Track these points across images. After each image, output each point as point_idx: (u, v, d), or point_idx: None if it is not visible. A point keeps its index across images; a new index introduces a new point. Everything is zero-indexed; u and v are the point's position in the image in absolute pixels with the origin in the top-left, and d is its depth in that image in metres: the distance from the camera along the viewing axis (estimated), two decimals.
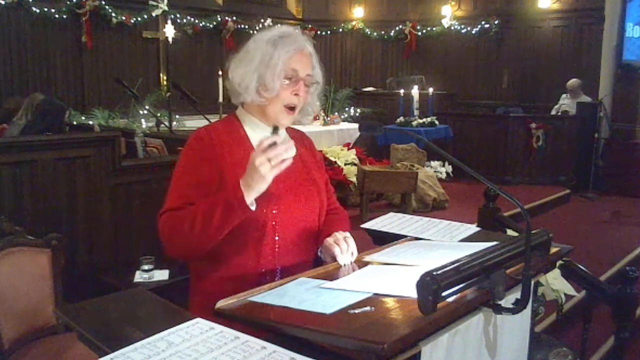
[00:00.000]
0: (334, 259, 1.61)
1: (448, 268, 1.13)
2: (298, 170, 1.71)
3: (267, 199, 1.58)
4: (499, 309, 1.27)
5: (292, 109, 1.66)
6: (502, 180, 7.31)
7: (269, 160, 1.44)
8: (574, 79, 8.13)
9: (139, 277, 3.05)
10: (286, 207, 1.64)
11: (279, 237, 1.64)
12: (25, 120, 3.73)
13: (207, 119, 5.19)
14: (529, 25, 9.42)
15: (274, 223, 1.62)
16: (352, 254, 1.61)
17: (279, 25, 1.72)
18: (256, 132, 1.69)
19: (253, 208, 1.50)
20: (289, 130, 1.79)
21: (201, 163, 1.61)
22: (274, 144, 1.45)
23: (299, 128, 1.89)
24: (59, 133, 3.71)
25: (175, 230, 1.54)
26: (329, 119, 7.03)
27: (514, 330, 1.48)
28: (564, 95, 8.25)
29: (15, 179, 3.12)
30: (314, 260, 1.75)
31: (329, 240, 1.64)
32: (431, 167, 7.02)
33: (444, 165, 7.16)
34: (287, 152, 1.47)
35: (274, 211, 1.62)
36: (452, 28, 9.91)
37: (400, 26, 10.31)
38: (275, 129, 1.53)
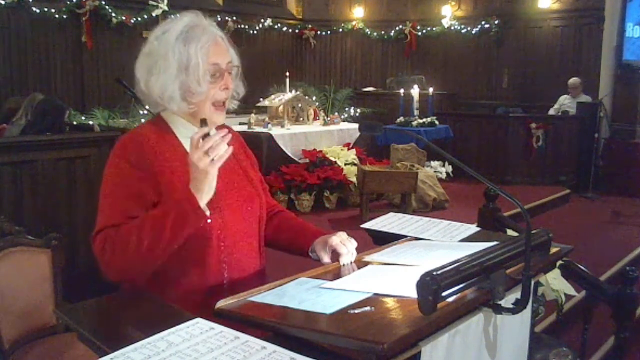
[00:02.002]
0: (333, 259, 1.59)
1: (448, 268, 1.13)
2: (234, 171, 1.63)
3: (211, 208, 1.46)
4: (499, 309, 1.27)
5: (223, 105, 1.56)
6: (502, 180, 7.31)
7: (207, 154, 1.37)
8: (575, 78, 8.13)
9: None
10: (229, 213, 1.52)
11: (224, 247, 1.53)
12: (25, 120, 3.72)
13: None
14: (529, 25, 9.42)
15: (219, 232, 1.51)
16: (352, 254, 1.60)
17: (172, 16, 1.56)
18: (189, 136, 1.50)
19: (208, 213, 1.41)
20: (219, 129, 1.65)
21: (134, 171, 1.46)
22: (207, 135, 1.38)
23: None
24: (59, 133, 3.71)
25: (118, 248, 1.38)
26: (329, 119, 7.03)
27: (514, 330, 1.48)
28: (564, 96, 8.24)
29: (15, 179, 3.13)
30: (263, 271, 1.66)
31: (335, 239, 1.58)
32: (431, 167, 7.02)
33: (444, 165, 7.16)
34: (224, 139, 1.39)
35: (217, 219, 1.50)
36: (452, 28, 9.91)
37: (400, 26, 10.31)
38: (203, 122, 1.44)
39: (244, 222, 1.59)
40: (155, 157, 1.49)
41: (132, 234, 1.37)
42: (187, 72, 1.49)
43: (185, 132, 1.56)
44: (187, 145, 1.52)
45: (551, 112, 8.29)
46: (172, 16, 1.65)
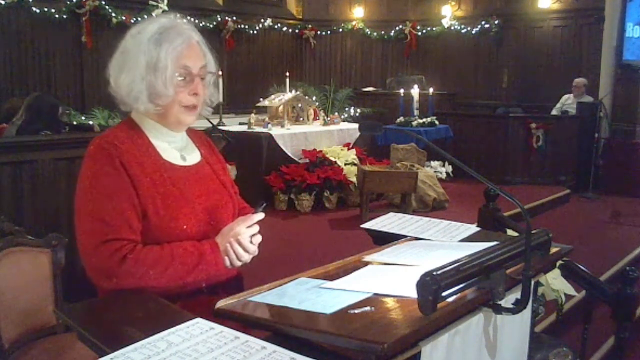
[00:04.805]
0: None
1: (448, 268, 1.13)
2: (208, 176, 1.63)
3: (187, 214, 1.49)
4: (499, 309, 1.27)
5: (193, 107, 1.55)
6: (502, 180, 7.30)
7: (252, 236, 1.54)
8: (581, 78, 8.11)
9: None
10: (204, 218, 1.54)
11: None
12: (22, 120, 3.72)
13: (208, 120, 5.17)
14: (529, 25, 9.42)
15: (195, 237, 1.52)
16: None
17: (154, 15, 1.59)
18: (160, 140, 1.56)
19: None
20: (188, 131, 1.66)
21: (115, 173, 1.45)
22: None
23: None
24: (56, 130, 3.70)
25: (141, 268, 1.41)
26: (329, 119, 7.02)
27: (514, 330, 1.48)
28: (567, 95, 8.23)
29: (15, 179, 3.12)
30: (240, 274, 1.66)
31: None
32: (431, 167, 7.02)
33: (444, 165, 7.16)
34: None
35: (194, 224, 1.51)
36: (452, 28, 9.91)
37: (400, 26, 10.31)
38: (262, 205, 1.59)
39: (220, 227, 1.58)
40: (130, 159, 1.48)
41: (159, 262, 1.43)
42: (155, 74, 1.47)
43: (157, 135, 1.56)
44: (158, 146, 1.55)
45: (554, 112, 8.28)
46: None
